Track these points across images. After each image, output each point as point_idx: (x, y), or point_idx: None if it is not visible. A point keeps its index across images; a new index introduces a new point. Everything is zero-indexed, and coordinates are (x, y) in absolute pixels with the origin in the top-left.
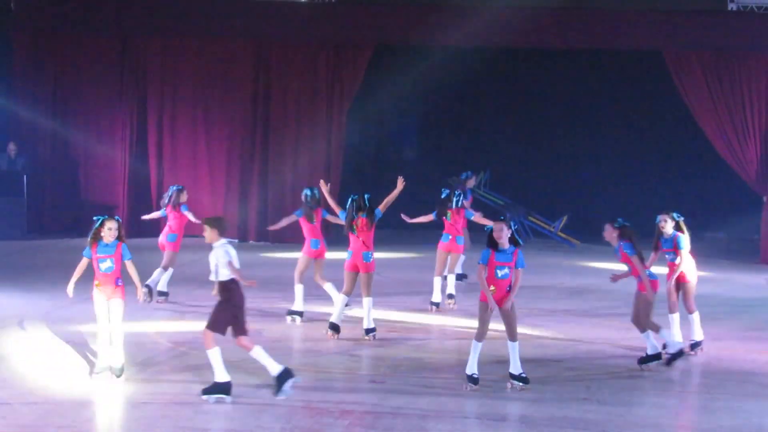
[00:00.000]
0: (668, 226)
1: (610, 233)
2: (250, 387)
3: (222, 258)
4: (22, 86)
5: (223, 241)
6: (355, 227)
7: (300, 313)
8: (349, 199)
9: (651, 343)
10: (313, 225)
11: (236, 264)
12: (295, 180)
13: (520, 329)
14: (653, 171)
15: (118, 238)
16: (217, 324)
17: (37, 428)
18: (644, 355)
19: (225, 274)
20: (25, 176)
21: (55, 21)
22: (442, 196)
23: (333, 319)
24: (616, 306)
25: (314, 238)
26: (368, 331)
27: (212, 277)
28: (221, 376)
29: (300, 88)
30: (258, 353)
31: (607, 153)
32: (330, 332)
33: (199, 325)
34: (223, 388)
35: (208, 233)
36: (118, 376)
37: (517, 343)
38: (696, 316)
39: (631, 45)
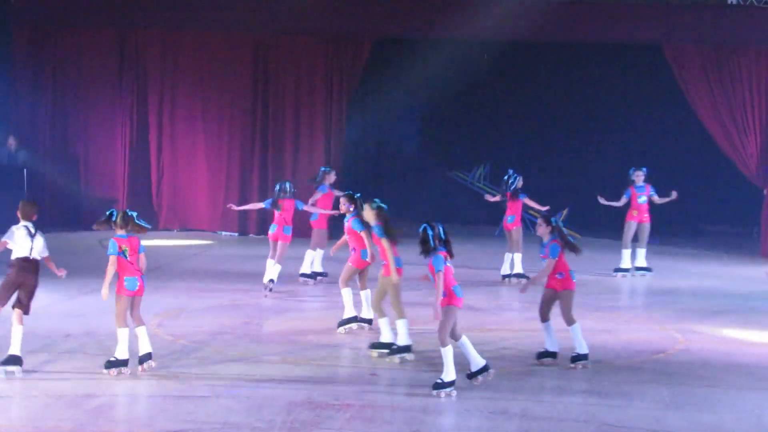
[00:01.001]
0: (544, 231)
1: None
2: (251, 381)
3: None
4: (22, 80)
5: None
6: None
7: (368, 321)
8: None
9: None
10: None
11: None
12: (294, 174)
13: (522, 322)
14: (653, 164)
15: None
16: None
17: (37, 422)
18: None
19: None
20: (25, 170)
21: (55, 15)
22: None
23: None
24: (616, 299)
25: (363, 249)
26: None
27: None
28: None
29: (299, 82)
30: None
31: (607, 146)
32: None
33: (198, 319)
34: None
35: None
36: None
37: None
38: (576, 328)
39: (631, 38)
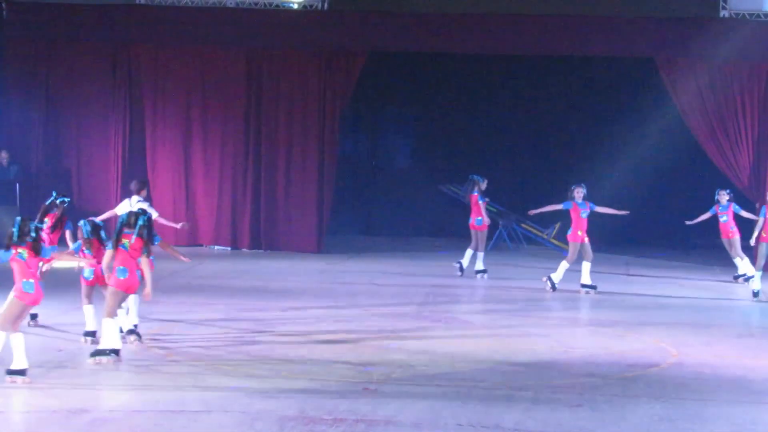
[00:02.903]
0: None
1: None
2: (244, 395)
3: None
4: (14, 93)
5: None
6: None
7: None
8: None
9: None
10: None
11: None
12: (287, 188)
13: (514, 336)
14: (646, 177)
15: None
16: None
17: None
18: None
19: None
20: (17, 184)
21: (48, 29)
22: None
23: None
24: (609, 313)
25: None
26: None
27: None
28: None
29: (292, 96)
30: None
31: (600, 160)
32: None
33: (191, 334)
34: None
35: None
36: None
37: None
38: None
39: (624, 52)
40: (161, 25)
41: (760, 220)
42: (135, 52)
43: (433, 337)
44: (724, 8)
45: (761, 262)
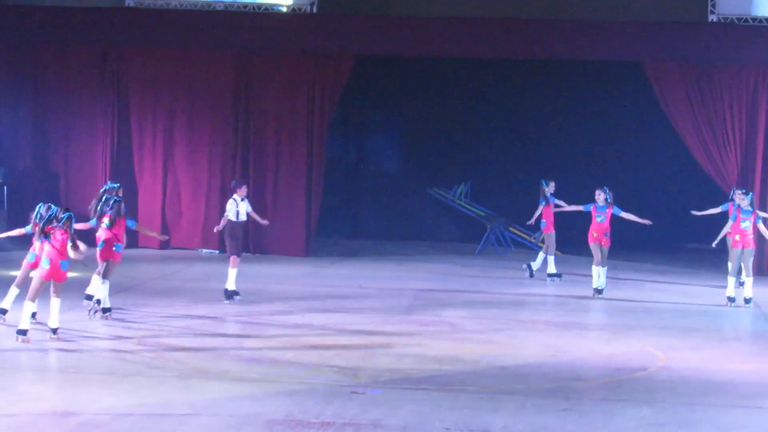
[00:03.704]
0: None
1: None
2: (232, 398)
3: None
4: (2, 96)
5: None
6: None
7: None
8: None
9: None
10: None
11: None
12: (275, 191)
13: (502, 340)
14: (634, 181)
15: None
16: None
17: None
18: None
19: None
20: (5, 188)
21: (36, 31)
22: None
23: None
24: (596, 317)
25: None
26: None
27: None
28: None
29: (281, 99)
30: None
31: (588, 164)
32: None
33: (179, 337)
34: None
35: None
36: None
37: None
38: None
39: (612, 56)
40: (150, 28)
41: (729, 223)
42: (123, 54)
43: (420, 340)
44: (712, 12)
45: (736, 267)
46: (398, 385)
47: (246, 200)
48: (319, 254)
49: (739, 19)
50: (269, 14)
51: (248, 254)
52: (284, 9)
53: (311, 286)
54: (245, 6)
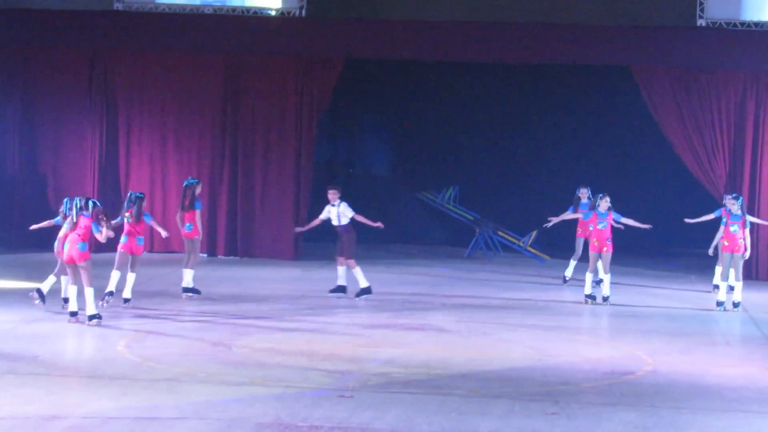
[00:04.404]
0: None
1: None
2: (220, 402)
3: None
4: None
5: None
6: None
7: None
8: None
9: None
10: None
11: None
12: (264, 194)
13: (490, 344)
14: (622, 186)
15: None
16: None
17: None
18: None
19: None
20: None
21: (24, 33)
22: None
23: None
24: (585, 320)
25: None
26: None
27: None
28: None
29: (269, 102)
30: None
31: (577, 168)
32: None
33: (166, 341)
34: None
35: None
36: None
37: None
38: None
39: (600, 60)
40: (138, 32)
41: (722, 229)
42: (112, 58)
43: (408, 344)
44: (701, 17)
45: (726, 271)
46: (386, 388)
47: (335, 206)
48: (308, 258)
49: (727, 24)
50: (258, 18)
51: (236, 257)
52: (273, 13)
53: (299, 289)
54: (234, 10)
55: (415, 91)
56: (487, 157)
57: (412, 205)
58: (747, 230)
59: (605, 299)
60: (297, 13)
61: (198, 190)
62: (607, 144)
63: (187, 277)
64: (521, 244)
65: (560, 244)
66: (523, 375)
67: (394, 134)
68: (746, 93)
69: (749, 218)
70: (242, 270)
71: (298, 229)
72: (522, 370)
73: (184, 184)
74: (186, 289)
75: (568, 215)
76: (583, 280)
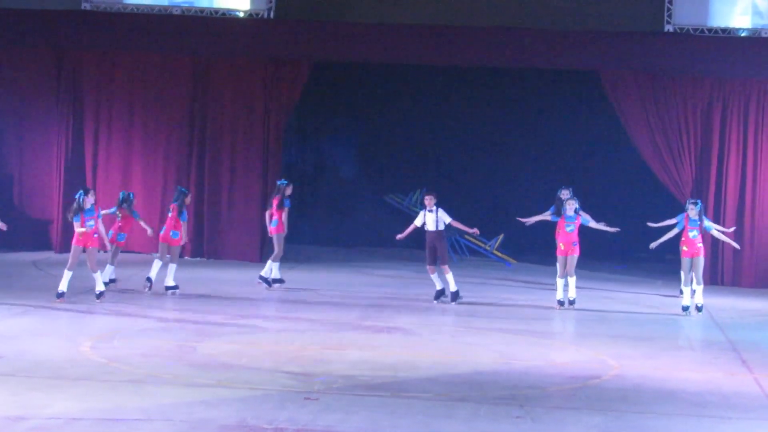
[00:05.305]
0: None
1: None
2: (184, 402)
3: None
4: None
5: None
6: None
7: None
8: None
9: None
10: None
11: None
12: (230, 196)
13: (456, 347)
14: (590, 191)
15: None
16: None
17: None
18: None
19: None
20: None
21: None
22: None
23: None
24: (550, 325)
25: None
26: None
27: None
28: None
29: (237, 104)
30: None
31: (544, 172)
32: None
33: (132, 342)
34: None
35: None
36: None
37: None
38: None
39: (568, 65)
40: (106, 32)
41: (673, 230)
42: (79, 58)
43: (375, 347)
44: (668, 23)
45: (687, 277)
46: (352, 391)
47: (432, 211)
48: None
49: (695, 30)
50: (226, 19)
51: (202, 259)
52: (241, 14)
53: (266, 291)
54: (202, 11)
55: (383, 94)
56: (455, 160)
57: (379, 208)
58: (714, 232)
59: (571, 302)
60: (265, 14)
61: (288, 191)
62: (574, 148)
63: (274, 270)
64: (487, 248)
65: (527, 249)
66: (489, 378)
67: (362, 137)
68: (713, 98)
69: (713, 227)
70: (208, 271)
71: (399, 236)
72: (488, 374)
73: (277, 183)
74: (275, 280)
75: (546, 215)
76: (554, 285)
